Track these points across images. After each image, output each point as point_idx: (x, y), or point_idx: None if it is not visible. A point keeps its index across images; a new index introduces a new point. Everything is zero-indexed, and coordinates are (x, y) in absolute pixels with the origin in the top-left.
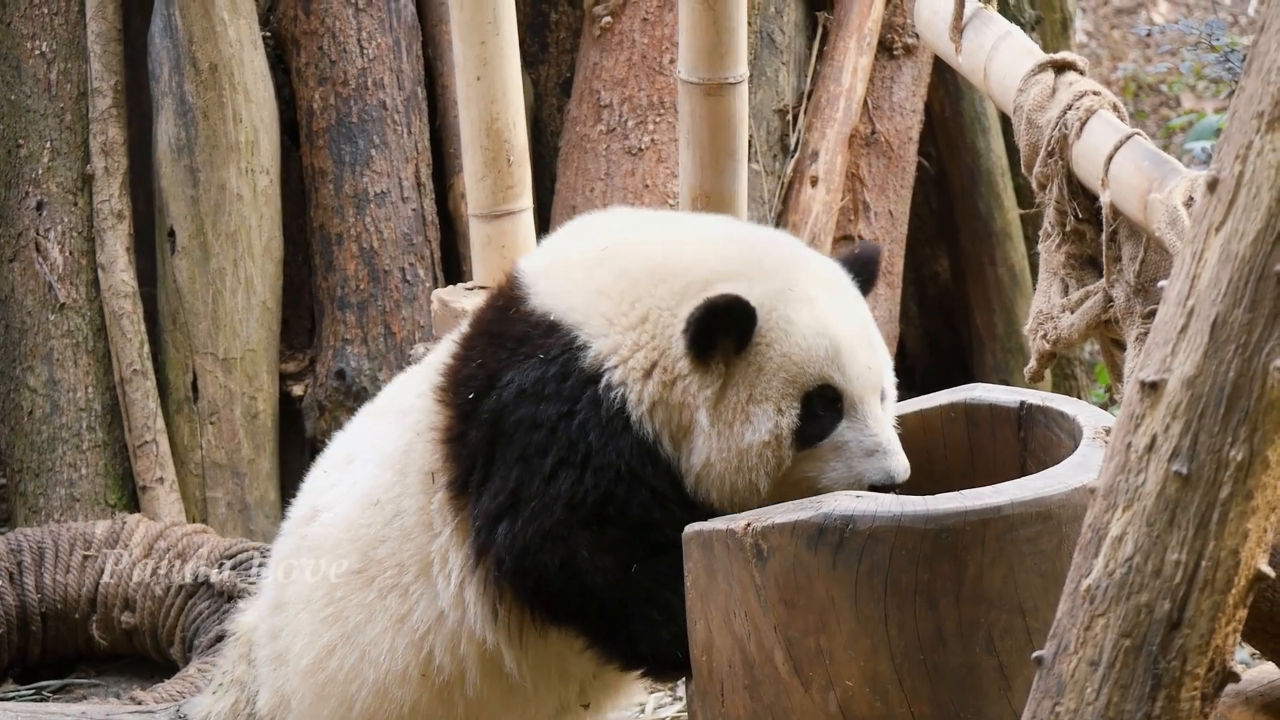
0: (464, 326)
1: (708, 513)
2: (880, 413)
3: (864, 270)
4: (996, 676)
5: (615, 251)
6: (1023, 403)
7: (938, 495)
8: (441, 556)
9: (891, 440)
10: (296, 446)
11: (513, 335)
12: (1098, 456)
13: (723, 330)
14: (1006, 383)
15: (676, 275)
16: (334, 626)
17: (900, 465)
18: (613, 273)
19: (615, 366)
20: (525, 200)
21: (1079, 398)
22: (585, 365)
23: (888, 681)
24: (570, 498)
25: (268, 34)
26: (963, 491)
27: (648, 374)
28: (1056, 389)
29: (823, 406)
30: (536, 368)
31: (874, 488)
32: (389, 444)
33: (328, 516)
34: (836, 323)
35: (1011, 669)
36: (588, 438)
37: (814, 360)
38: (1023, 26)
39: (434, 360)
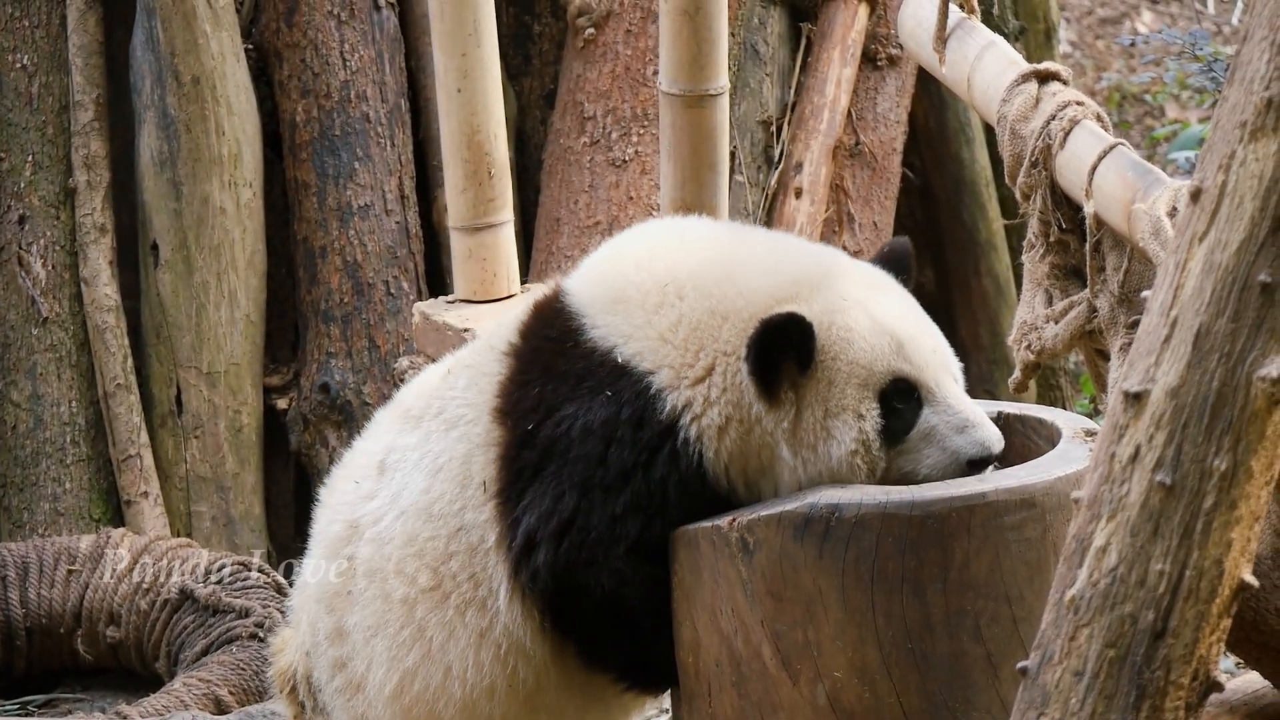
0: (512, 337)
1: None
2: (958, 390)
3: (899, 266)
4: (984, 665)
5: (674, 290)
6: (1000, 413)
7: (922, 484)
8: (494, 567)
9: (977, 413)
10: (281, 460)
11: (574, 371)
12: (1079, 451)
13: (783, 351)
14: (992, 393)
15: (736, 312)
16: (415, 648)
17: (994, 434)
18: (674, 317)
19: (691, 422)
20: (506, 213)
21: (1064, 408)
22: (662, 417)
23: (876, 672)
24: (637, 540)
25: (250, 46)
26: (948, 480)
27: (724, 429)
28: (1041, 400)
29: (900, 399)
30: (606, 407)
31: (972, 463)
32: (441, 455)
33: (376, 532)
34: (894, 317)
35: (999, 657)
36: (666, 491)
37: (881, 358)
38: (1007, 37)
39: (480, 366)
